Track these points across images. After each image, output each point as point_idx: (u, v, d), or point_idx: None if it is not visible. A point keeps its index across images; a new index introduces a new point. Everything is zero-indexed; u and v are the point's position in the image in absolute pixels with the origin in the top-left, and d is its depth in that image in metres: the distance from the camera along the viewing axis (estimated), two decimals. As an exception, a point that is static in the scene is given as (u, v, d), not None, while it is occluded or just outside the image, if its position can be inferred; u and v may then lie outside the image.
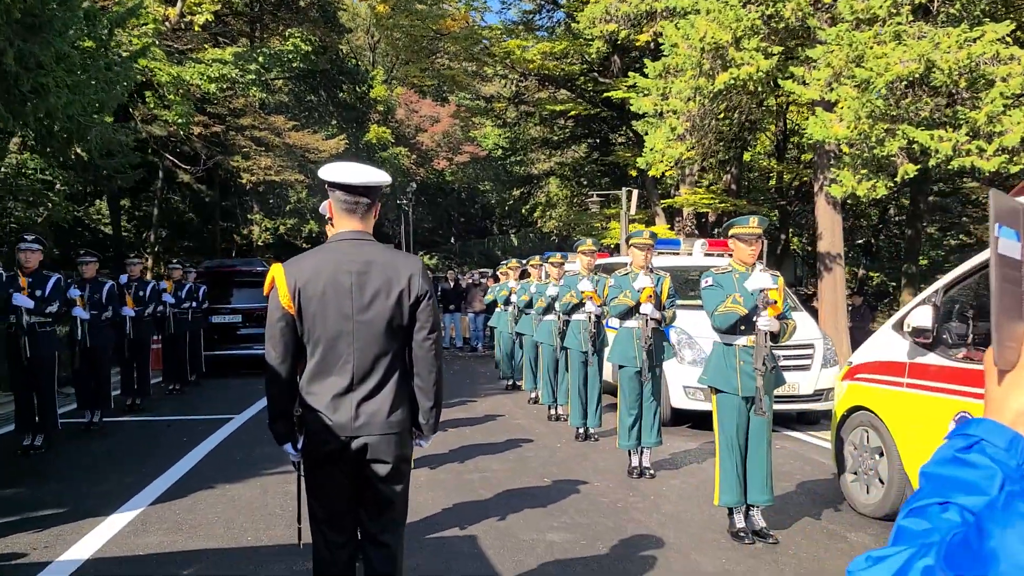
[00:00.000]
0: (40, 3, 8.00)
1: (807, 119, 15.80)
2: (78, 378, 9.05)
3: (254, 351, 14.29)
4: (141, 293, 10.24)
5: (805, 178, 24.35)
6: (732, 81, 11.95)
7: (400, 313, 3.00)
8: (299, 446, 3.06)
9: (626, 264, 7.24)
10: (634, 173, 27.53)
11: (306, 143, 24.50)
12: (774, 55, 12.19)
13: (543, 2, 27.73)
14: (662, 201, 23.88)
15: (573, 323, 8.24)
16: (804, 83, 12.26)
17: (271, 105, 26.56)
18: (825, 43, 11.81)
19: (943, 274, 5.94)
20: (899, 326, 5.46)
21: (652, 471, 6.76)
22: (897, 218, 28.49)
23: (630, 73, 14.51)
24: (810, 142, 12.53)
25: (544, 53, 23.50)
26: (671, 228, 23.20)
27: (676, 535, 5.17)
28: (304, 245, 32.53)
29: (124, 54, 12.19)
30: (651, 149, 14.11)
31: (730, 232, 5.15)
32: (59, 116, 8.36)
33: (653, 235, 6.85)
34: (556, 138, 31.77)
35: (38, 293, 7.30)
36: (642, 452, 6.83)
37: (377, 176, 3.05)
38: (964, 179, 23.75)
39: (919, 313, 5.07)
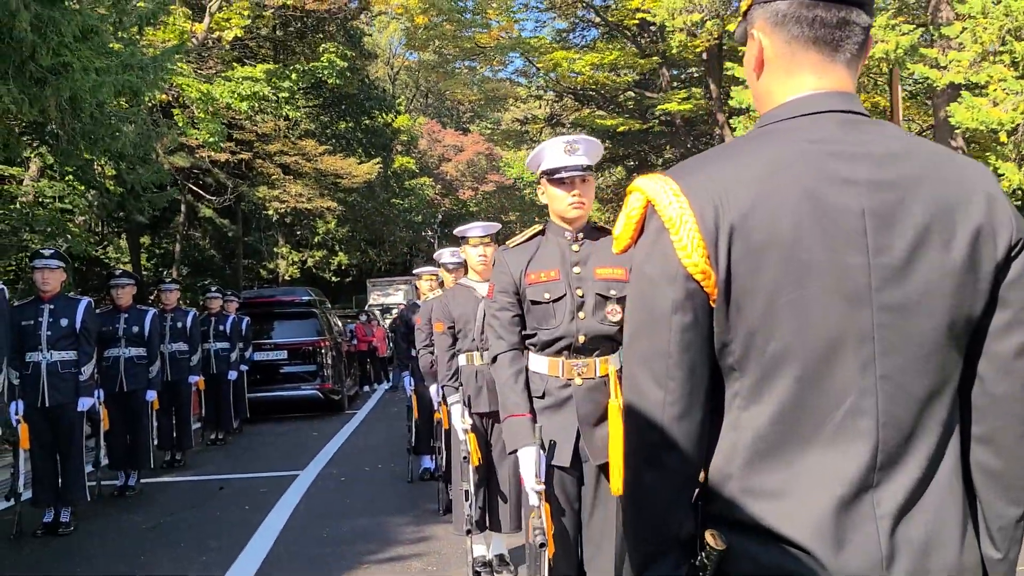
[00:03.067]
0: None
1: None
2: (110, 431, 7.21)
3: (301, 392, 12.66)
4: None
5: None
6: (866, 61, 10.24)
7: (975, 286, 1.19)
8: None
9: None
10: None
11: (338, 168, 22.92)
12: (908, 33, 10.51)
13: (577, 20, 26.42)
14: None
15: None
16: (939, 66, 10.57)
17: (300, 130, 25.07)
18: (969, 16, 10.13)
19: None
20: None
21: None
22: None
23: (728, 63, 12.83)
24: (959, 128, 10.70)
25: (593, 65, 21.87)
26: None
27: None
28: (333, 279, 30.75)
29: (153, 53, 10.57)
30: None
31: None
32: (86, 102, 6.62)
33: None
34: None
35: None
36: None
37: None
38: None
39: None
